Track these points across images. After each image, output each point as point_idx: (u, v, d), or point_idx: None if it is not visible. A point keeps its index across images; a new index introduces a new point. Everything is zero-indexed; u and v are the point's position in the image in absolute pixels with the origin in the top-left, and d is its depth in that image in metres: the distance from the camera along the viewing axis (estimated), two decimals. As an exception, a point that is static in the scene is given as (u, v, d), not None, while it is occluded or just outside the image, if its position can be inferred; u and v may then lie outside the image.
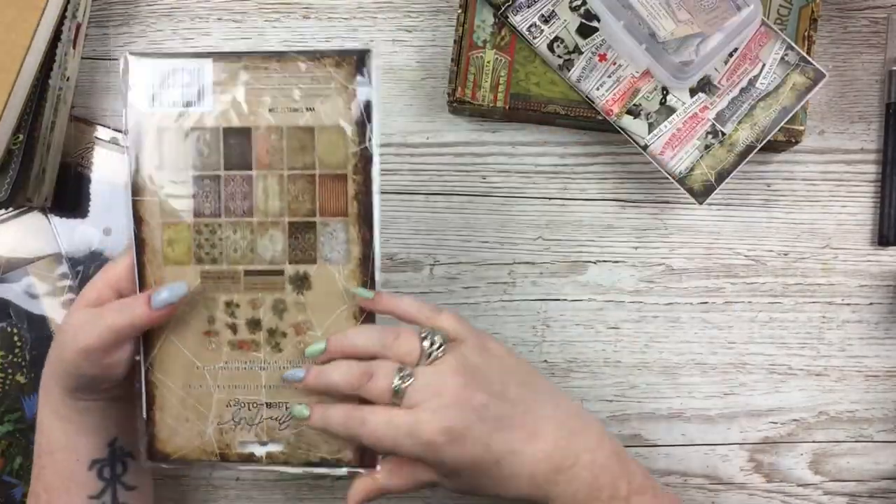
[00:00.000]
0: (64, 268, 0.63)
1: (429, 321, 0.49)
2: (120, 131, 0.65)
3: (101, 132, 0.65)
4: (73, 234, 0.63)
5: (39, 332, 0.62)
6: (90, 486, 0.53)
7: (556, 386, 0.51)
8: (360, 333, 0.49)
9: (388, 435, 0.46)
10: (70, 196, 0.64)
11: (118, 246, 0.63)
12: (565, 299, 0.65)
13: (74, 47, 0.63)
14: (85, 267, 0.63)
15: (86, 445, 0.52)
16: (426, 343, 0.48)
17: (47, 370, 0.51)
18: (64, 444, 0.52)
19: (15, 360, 0.62)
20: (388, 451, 0.48)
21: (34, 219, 0.64)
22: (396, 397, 0.47)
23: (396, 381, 0.47)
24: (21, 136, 0.59)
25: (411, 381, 0.47)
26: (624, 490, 0.48)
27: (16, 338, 0.62)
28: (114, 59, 0.66)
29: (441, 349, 0.48)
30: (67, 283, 0.63)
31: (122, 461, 0.54)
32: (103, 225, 0.64)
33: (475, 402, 0.47)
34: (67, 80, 0.63)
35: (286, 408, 0.51)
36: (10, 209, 0.63)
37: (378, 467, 0.50)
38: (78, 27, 0.63)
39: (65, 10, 0.61)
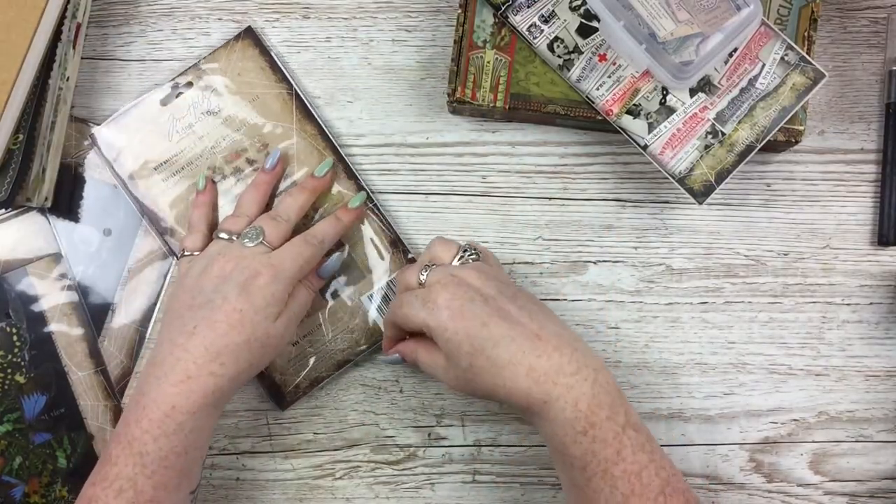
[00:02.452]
0: (63, 268, 0.63)
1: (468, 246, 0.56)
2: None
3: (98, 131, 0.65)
4: (72, 235, 0.63)
5: (38, 331, 0.62)
6: (195, 480, 0.55)
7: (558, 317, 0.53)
8: (434, 242, 0.57)
9: (408, 305, 0.52)
10: (70, 196, 0.64)
11: (118, 246, 0.63)
12: (565, 299, 0.65)
13: (74, 47, 0.63)
14: (85, 267, 0.63)
15: (210, 437, 0.55)
16: (462, 252, 0.55)
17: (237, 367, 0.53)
18: (201, 444, 0.53)
19: (14, 359, 0.62)
20: (405, 321, 0.53)
21: (33, 219, 0.64)
22: (420, 284, 0.53)
23: (421, 274, 0.54)
24: (21, 136, 0.59)
25: (433, 269, 0.54)
26: (622, 419, 0.48)
27: (15, 338, 0.62)
28: (114, 60, 0.66)
29: (472, 258, 0.55)
30: (67, 282, 0.63)
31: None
32: (103, 226, 0.64)
33: (484, 290, 0.51)
34: (67, 80, 0.63)
35: None
36: (10, 209, 0.63)
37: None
38: (78, 27, 0.64)
39: (65, 10, 0.61)
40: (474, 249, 0.55)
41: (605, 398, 0.48)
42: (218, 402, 0.53)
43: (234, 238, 0.57)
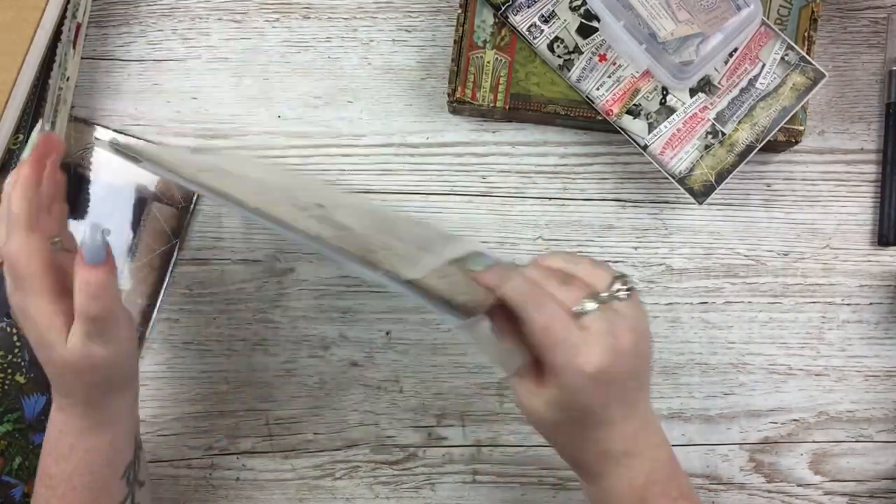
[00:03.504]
0: (64, 268, 0.63)
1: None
2: (120, 132, 0.65)
3: (101, 133, 0.65)
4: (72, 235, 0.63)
5: (39, 332, 0.62)
6: (119, 494, 0.53)
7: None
8: (560, 256, 0.49)
9: (557, 331, 0.45)
10: (69, 196, 0.64)
11: (116, 247, 0.63)
12: (565, 299, 0.65)
13: (74, 47, 0.63)
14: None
15: (122, 451, 0.52)
16: (618, 283, 0.48)
17: (78, 381, 0.49)
18: (105, 461, 0.51)
19: (14, 360, 0.62)
20: (543, 343, 0.45)
21: (34, 219, 0.64)
22: (575, 315, 0.46)
23: (588, 303, 0.46)
24: (21, 136, 0.59)
25: (596, 309, 0.46)
26: (675, 492, 0.48)
27: (15, 338, 0.62)
28: (114, 60, 0.66)
29: (627, 295, 0.48)
30: (67, 283, 0.63)
31: (137, 457, 0.54)
32: (101, 226, 0.63)
33: (628, 364, 0.46)
34: (67, 80, 0.63)
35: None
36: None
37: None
38: (78, 27, 0.64)
39: (65, 10, 0.61)
40: (626, 282, 0.48)
41: (660, 474, 0.48)
42: (100, 421, 0.50)
43: None
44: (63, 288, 0.48)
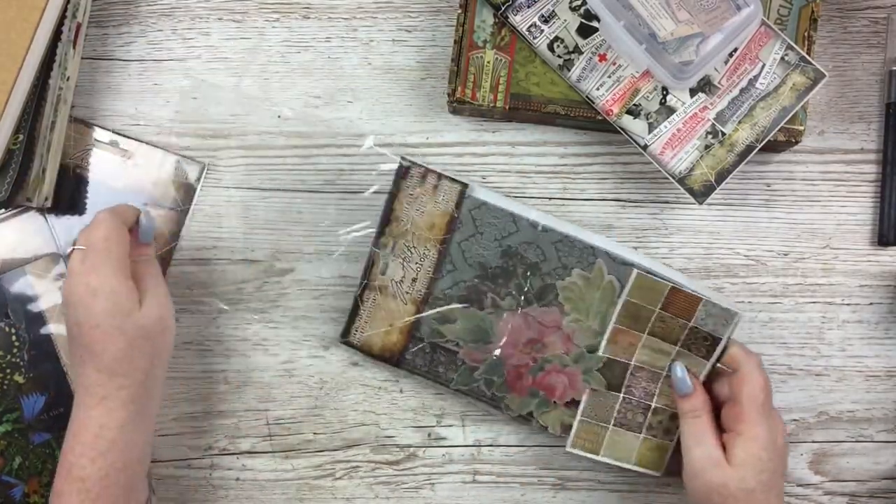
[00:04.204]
0: (61, 267, 0.63)
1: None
2: (118, 134, 0.65)
3: (101, 134, 0.65)
4: (70, 236, 0.63)
5: (37, 332, 0.62)
6: (143, 494, 0.54)
7: None
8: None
9: (765, 398, 0.56)
10: (68, 198, 0.64)
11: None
12: (565, 299, 0.65)
13: (74, 47, 0.63)
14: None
15: (150, 447, 0.54)
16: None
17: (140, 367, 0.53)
18: (139, 456, 0.53)
19: (13, 359, 0.62)
20: (751, 405, 0.56)
21: (31, 218, 0.64)
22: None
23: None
24: (21, 136, 0.59)
25: (774, 411, 0.57)
26: None
27: (14, 337, 0.62)
28: (114, 60, 0.66)
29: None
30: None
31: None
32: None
33: (780, 470, 0.56)
34: (67, 80, 0.63)
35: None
36: (8, 209, 0.63)
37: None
38: (78, 27, 0.63)
39: (65, 10, 0.61)
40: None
41: None
42: (142, 410, 0.53)
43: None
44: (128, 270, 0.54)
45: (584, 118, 0.61)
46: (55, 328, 0.62)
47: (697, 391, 0.58)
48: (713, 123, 0.60)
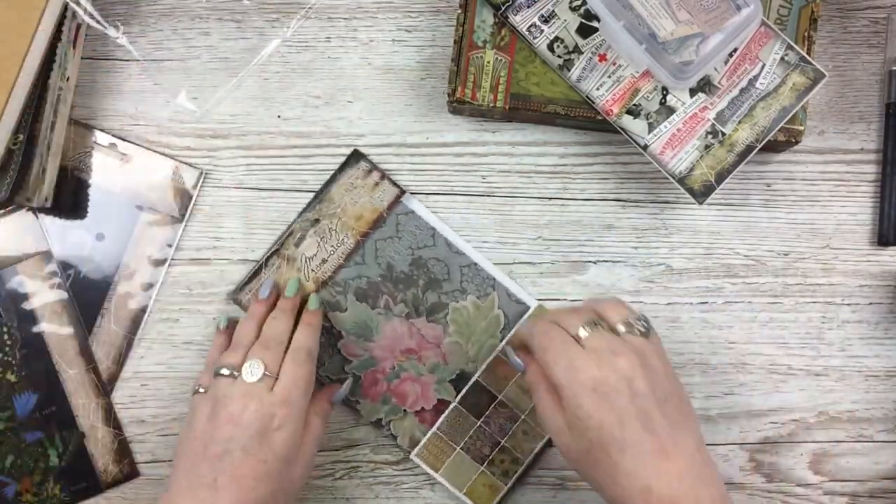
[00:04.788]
0: (53, 266, 0.63)
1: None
2: (117, 137, 0.65)
3: (100, 137, 0.64)
4: (65, 238, 0.63)
5: (29, 330, 0.62)
6: None
7: (703, 439, 0.50)
8: (592, 299, 0.55)
9: (556, 349, 0.50)
10: (67, 200, 0.64)
11: (110, 252, 0.63)
12: (565, 299, 0.65)
13: (74, 47, 0.63)
14: (76, 271, 0.63)
15: None
16: (633, 320, 0.51)
17: None
18: None
19: (6, 358, 0.62)
20: (545, 362, 0.50)
21: (23, 217, 0.64)
22: (578, 338, 0.50)
23: (584, 328, 0.50)
24: (21, 136, 0.59)
25: (597, 330, 0.50)
26: None
27: (6, 336, 0.62)
28: (114, 60, 0.66)
29: (642, 334, 0.51)
30: (57, 280, 0.63)
31: None
32: (96, 230, 0.64)
33: (635, 384, 0.48)
34: (67, 80, 0.63)
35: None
36: (-1, 207, 0.63)
37: None
38: (78, 27, 0.63)
39: (65, 10, 0.61)
40: (646, 322, 0.52)
41: None
42: None
43: (236, 373, 0.55)
44: None
45: (584, 118, 0.61)
46: (47, 326, 0.62)
47: (529, 365, 0.54)
48: (713, 123, 0.60)
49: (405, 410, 0.63)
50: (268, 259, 0.63)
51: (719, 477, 0.49)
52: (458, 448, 0.62)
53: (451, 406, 0.62)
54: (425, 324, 0.63)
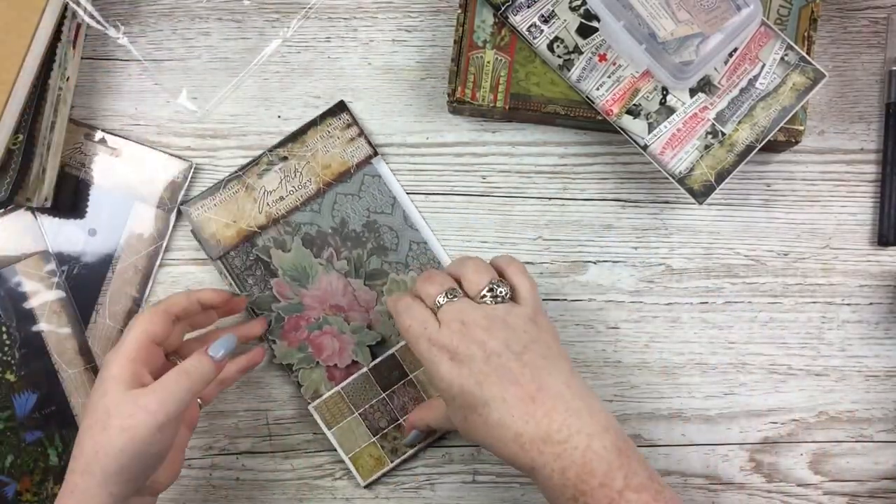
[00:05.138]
0: (52, 265, 0.63)
1: (511, 274, 0.54)
2: (108, 132, 0.65)
3: (89, 132, 0.64)
4: (58, 234, 0.63)
5: (28, 329, 0.62)
6: None
7: (581, 378, 0.51)
8: (456, 261, 0.55)
9: (415, 328, 0.52)
10: (66, 200, 0.64)
11: (102, 247, 0.63)
12: (565, 299, 0.65)
13: (74, 47, 0.63)
14: (70, 267, 0.63)
15: None
16: (494, 289, 0.52)
17: (88, 479, 0.48)
18: None
19: (4, 358, 0.62)
20: (409, 341, 0.53)
21: (21, 217, 0.64)
22: (436, 308, 0.52)
23: (441, 297, 0.52)
24: (21, 136, 0.59)
25: (452, 300, 0.52)
26: (619, 483, 0.47)
27: (5, 336, 0.62)
28: (114, 60, 0.66)
29: (499, 300, 0.52)
30: (55, 280, 0.63)
31: None
32: (88, 226, 0.64)
33: (488, 345, 0.50)
34: (67, 80, 0.63)
35: None
36: (-3, 207, 0.63)
37: None
38: (78, 27, 0.64)
39: (65, 10, 0.61)
40: (507, 289, 0.53)
41: (598, 465, 0.47)
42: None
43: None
44: None
45: (584, 118, 0.61)
46: (46, 326, 0.62)
47: None
48: (713, 123, 0.60)
49: (318, 362, 0.63)
50: (228, 181, 0.63)
51: (598, 406, 0.50)
52: (356, 413, 0.62)
53: (363, 370, 0.63)
54: (361, 286, 0.63)
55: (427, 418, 0.59)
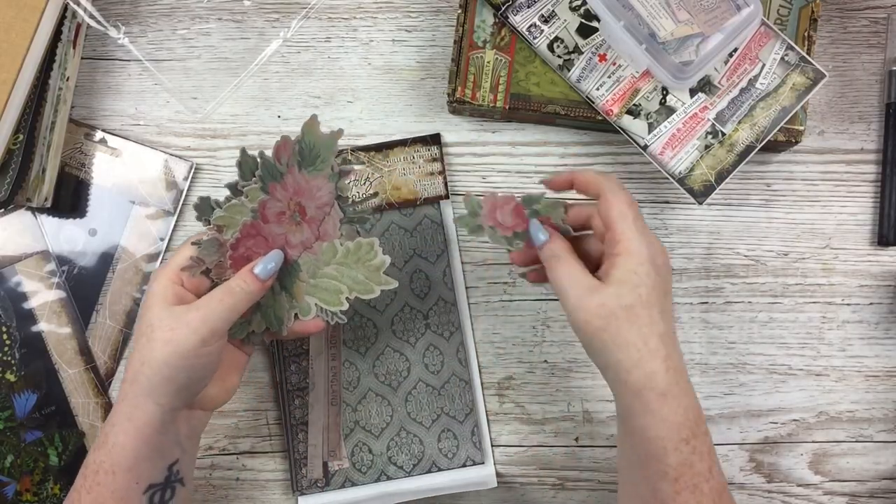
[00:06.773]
0: (52, 265, 0.63)
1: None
2: (108, 132, 0.65)
3: (90, 133, 0.64)
4: (58, 234, 0.63)
5: (28, 329, 0.62)
6: None
7: None
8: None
9: (633, 216, 0.49)
10: (66, 200, 0.64)
11: (102, 247, 0.64)
12: (565, 299, 0.65)
13: (74, 47, 0.63)
14: (70, 267, 0.63)
15: (148, 469, 0.51)
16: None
17: (136, 388, 0.50)
18: (130, 466, 0.50)
19: (4, 358, 0.62)
20: (618, 226, 0.49)
21: (21, 217, 0.64)
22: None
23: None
24: (21, 136, 0.59)
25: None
26: (710, 437, 0.48)
27: (5, 336, 0.62)
28: (114, 60, 0.66)
29: None
30: (55, 280, 0.63)
31: (172, 487, 0.52)
32: (88, 226, 0.64)
33: (670, 274, 0.50)
34: (67, 80, 0.63)
35: None
36: (-1, 208, 0.63)
37: None
38: (78, 27, 0.64)
39: (65, 10, 0.61)
40: None
41: (701, 414, 0.48)
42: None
43: None
44: None
45: (584, 118, 0.61)
46: (46, 326, 0.62)
47: (553, 236, 0.52)
48: (713, 123, 0.60)
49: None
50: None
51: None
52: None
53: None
54: (330, 220, 0.54)
55: (569, 276, 0.50)
